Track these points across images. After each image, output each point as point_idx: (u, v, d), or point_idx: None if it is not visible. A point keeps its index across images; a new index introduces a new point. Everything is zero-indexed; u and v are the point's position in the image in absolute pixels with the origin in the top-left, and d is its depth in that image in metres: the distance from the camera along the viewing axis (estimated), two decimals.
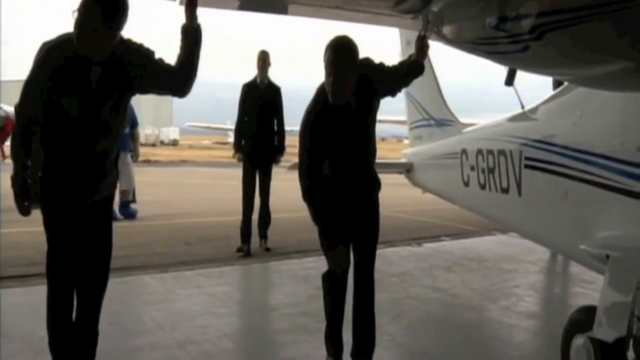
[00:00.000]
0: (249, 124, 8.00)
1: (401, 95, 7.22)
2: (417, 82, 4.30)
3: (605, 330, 3.40)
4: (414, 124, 9.09)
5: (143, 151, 11.91)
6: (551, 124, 4.71)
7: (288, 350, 4.57)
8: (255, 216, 8.02)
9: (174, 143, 60.99)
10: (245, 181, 7.96)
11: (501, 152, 5.31)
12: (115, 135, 3.51)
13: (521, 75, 5.69)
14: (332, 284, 4.00)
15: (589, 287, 6.37)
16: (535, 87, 5.16)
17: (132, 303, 5.67)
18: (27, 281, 5.87)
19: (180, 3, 3.44)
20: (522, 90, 5.54)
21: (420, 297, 6.16)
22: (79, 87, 3.24)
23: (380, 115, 4.13)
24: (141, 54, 3.38)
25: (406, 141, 9.68)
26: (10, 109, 11.00)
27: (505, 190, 5.25)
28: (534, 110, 5.18)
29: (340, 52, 3.64)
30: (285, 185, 9.16)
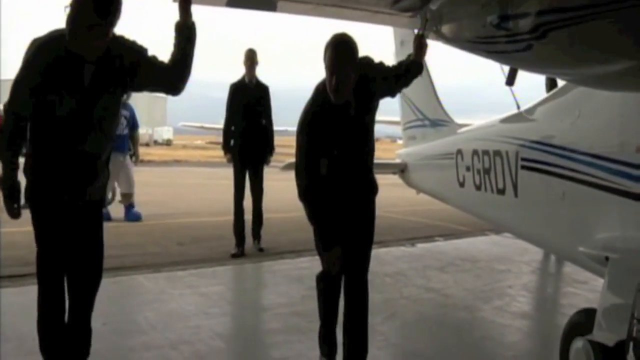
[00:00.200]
0: (238, 124, 7.94)
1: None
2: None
3: (605, 334, 3.36)
4: (408, 124, 9.07)
5: None
6: (548, 124, 4.67)
7: (281, 350, 4.56)
8: (247, 216, 7.98)
9: (168, 143, 60.86)
10: (236, 182, 7.90)
11: (497, 153, 5.27)
12: (107, 135, 3.47)
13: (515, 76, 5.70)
14: (326, 285, 3.99)
15: (582, 288, 6.39)
16: (529, 87, 5.14)
17: (125, 303, 5.65)
18: (20, 281, 5.84)
19: (174, 0, 3.40)
20: (516, 91, 5.53)
21: (413, 297, 6.16)
22: (71, 85, 3.20)
23: None
24: (135, 52, 3.34)
25: (400, 141, 9.68)
26: None
27: (501, 191, 5.21)
28: (530, 110, 5.15)
29: (342, 50, 3.57)
30: (278, 185, 9.17)
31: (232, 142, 8.04)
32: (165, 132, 64.92)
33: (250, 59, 7.89)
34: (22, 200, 3.33)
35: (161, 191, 14.11)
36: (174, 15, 3.37)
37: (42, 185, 3.36)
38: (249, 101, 7.89)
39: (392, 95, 4.13)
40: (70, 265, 3.49)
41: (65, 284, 3.52)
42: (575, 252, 3.98)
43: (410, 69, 4.03)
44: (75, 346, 3.56)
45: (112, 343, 4.39)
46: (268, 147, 8.04)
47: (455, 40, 3.48)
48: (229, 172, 8.19)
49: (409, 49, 7.95)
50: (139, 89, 3.54)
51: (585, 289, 6.35)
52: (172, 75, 3.41)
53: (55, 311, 3.51)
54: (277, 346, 4.65)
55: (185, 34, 3.35)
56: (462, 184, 6.20)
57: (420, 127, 8.63)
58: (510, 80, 4.90)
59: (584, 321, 3.62)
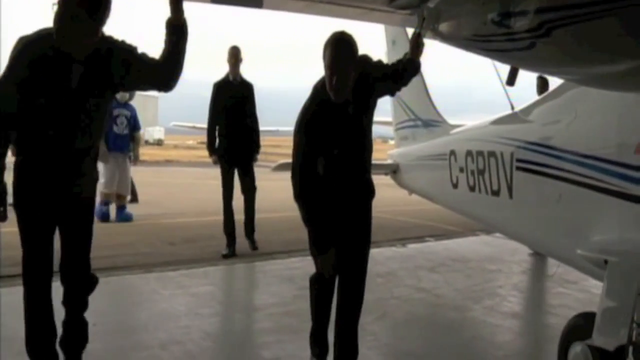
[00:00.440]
0: (222, 123, 7.83)
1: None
2: None
3: (605, 338, 3.32)
4: (400, 124, 9.04)
5: None
6: (545, 125, 4.61)
7: (272, 350, 4.56)
8: (238, 216, 7.93)
9: (159, 143, 60.75)
10: (224, 182, 7.81)
11: (491, 154, 5.22)
12: (96, 135, 3.46)
13: (504, 76, 5.69)
14: (320, 287, 3.96)
15: (572, 288, 6.43)
16: (522, 87, 5.08)
17: (116, 303, 5.63)
18: (10, 281, 5.80)
19: None
20: (508, 91, 5.51)
21: (404, 297, 6.17)
22: (58, 84, 3.18)
23: None
24: (125, 51, 3.33)
25: (392, 142, 9.68)
26: None
27: (495, 193, 5.15)
28: (525, 111, 5.09)
29: (342, 48, 3.52)
30: (270, 185, 9.16)
31: (217, 142, 7.93)
32: (156, 132, 64.76)
33: (235, 56, 7.78)
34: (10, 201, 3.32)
35: (152, 191, 14.05)
36: (165, 12, 3.32)
37: (30, 187, 3.33)
38: (233, 99, 7.79)
39: (392, 93, 4.12)
40: (61, 264, 3.49)
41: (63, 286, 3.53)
42: (573, 255, 3.94)
43: (408, 67, 4.01)
44: (72, 341, 3.59)
45: (103, 343, 4.38)
46: (254, 145, 7.94)
47: (454, 39, 3.42)
48: (219, 172, 8.15)
49: (401, 49, 7.93)
50: (131, 88, 3.55)
51: (575, 289, 6.39)
52: (164, 72, 3.38)
53: (41, 313, 3.49)
54: (268, 346, 4.64)
55: (177, 31, 3.31)
56: (455, 185, 6.15)
57: (413, 128, 8.59)
58: (511, 80, 4.76)
59: (582, 325, 3.58)
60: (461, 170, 5.96)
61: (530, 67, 3.44)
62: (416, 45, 3.97)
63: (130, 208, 10.72)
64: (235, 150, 7.78)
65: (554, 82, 4.74)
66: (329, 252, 3.74)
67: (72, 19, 3.07)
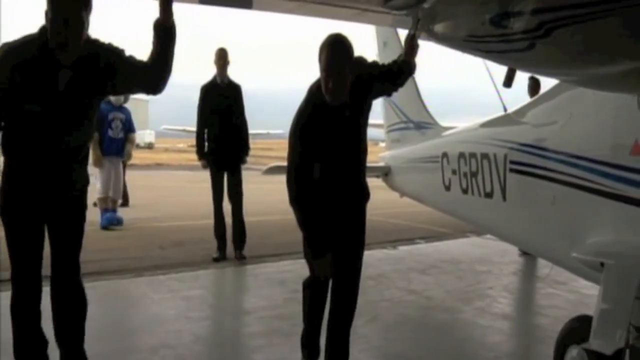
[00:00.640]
0: (211, 126, 7.77)
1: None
2: None
3: (603, 342, 3.28)
4: (391, 126, 8.99)
5: None
6: (538, 126, 4.54)
7: (263, 353, 4.55)
8: (229, 219, 7.87)
9: (150, 146, 60.55)
10: (214, 185, 7.76)
11: (484, 156, 5.16)
12: (84, 138, 3.44)
13: (496, 78, 5.68)
14: (314, 291, 3.95)
15: (561, 289, 6.45)
16: (513, 89, 5.04)
17: (106, 308, 5.59)
18: (9, 285, 5.77)
19: None
20: (493, 94, 5.51)
21: (395, 299, 6.18)
22: (45, 89, 3.15)
23: None
24: (112, 54, 3.30)
25: (382, 144, 9.67)
26: None
27: (488, 195, 5.10)
28: (519, 112, 5.03)
29: (338, 50, 3.49)
30: (260, 188, 9.16)
31: (206, 146, 7.86)
32: (147, 136, 64.55)
33: (222, 58, 7.73)
34: None
35: (143, 195, 14.02)
36: (154, 13, 3.26)
37: (19, 191, 3.30)
38: (221, 102, 7.72)
39: (389, 94, 4.09)
40: (52, 263, 3.47)
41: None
42: (568, 257, 3.90)
43: (404, 68, 3.98)
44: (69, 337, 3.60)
45: (93, 348, 4.34)
46: (243, 147, 7.87)
47: (450, 40, 3.35)
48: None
49: (392, 50, 7.91)
50: (119, 92, 3.52)
51: (565, 290, 6.41)
52: (152, 75, 3.34)
53: (30, 321, 3.46)
54: (259, 350, 4.64)
55: (166, 33, 3.25)
56: (447, 188, 6.10)
57: (404, 130, 8.54)
58: (508, 82, 4.70)
59: (579, 328, 3.56)
60: (454, 172, 5.91)
61: (528, 68, 3.38)
62: (411, 47, 3.93)
63: (121, 212, 10.67)
64: (224, 153, 7.72)
65: (545, 83, 4.71)
66: (325, 257, 3.71)
67: (61, 18, 3.05)
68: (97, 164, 9.67)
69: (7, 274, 5.76)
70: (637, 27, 2.23)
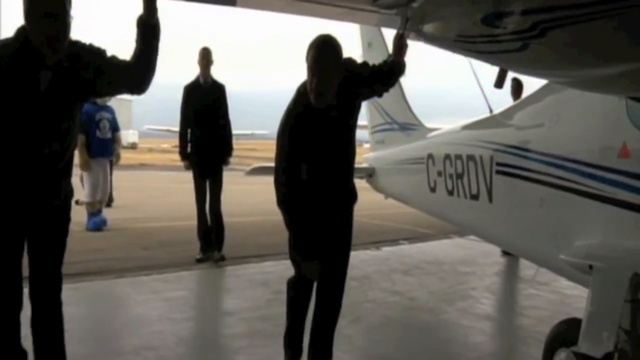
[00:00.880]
0: (194, 127, 7.68)
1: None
2: None
3: (592, 345, 3.27)
4: (375, 127, 8.99)
5: None
6: (525, 128, 4.55)
7: (246, 354, 4.54)
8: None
9: (133, 146, 60.14)
10: (196, 186, 7.70)
11: (470, 157, 5.15)
12: (68, 142, 3.30)
13: (482, 79, 5.70)
14: (298, 292, 3.94)
15: (543, 289, 6.50)
16: (494, 91, 5.04)
17: (88, 309, 5.57)
18: None
19: None
20: (479, 96, 5.53)
21: (379, 300, 6.20)
22: (26, 92, 3.05)
23: None
24: (94, 54, 3.20)
25: (367, 145, 9.68)
26: None
27: (474, 197, 5.09)
28: (505, 114, 5.03)
29: (325, 51, 3.44)
30: (243, 189, 9.14)
31: (189, 147, 7.76)
32: (130, 136, 64.08)
33: (206, 57, 7.64)
34: None
35: (126, 195, 13.92)
36: (137, 10, 3.15)
37: (1, 197, 3.19)
38: (204, 102, 7.63)
39: (380, 95, 4.05)
40: (32, 268, 3.35)
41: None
42: (556, 260, 3.87)
43: (394, 68, 3.94)
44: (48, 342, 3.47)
45: (74, 350, 4.31)
46: (226, 148, 7.77)
47: (440, 40, 3.31)
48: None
49: (377, 51, 7.87)
50: (103, 94, 3.39)
51: (547, 290, 6.47)
52: (136, 74, 3.23)
53: (9, 330, 3.35)
54: (242, 351, 4.63)
55: (150, 30, 3.15)
56: (433, 189, 6.08)
57: (389, 131, 8.54)
58: (500, 83, 4.59)
59: (567, 331, 3.55)
60: (439, 174, 5.90)
61: (521, 69, 3.34)
62: (399, 46, 3.89)
63: (104, 212, 10.58)
64: (207, 155, 7.63)
65: (528, 85, 4.70)
66: (313, 261, 3.67)
67: (40, 14, 2.97)
68: (85, 167, 9.57)
69: None
70: (632, 29, 2.22)
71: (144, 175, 24.99)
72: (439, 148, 6.08)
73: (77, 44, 3.19)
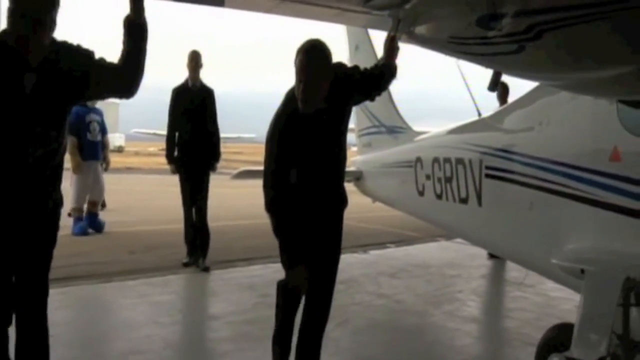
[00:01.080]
0: (182, 130, 7.60)
1: None
2: None
3: (584, 350, 3.22)
4: (363, 130, 8.96)
5: None
6: (515, 131, 4.53)
7: (232, 358, 4.55)
8: None
9: (120, 150, 59.86)
10: (183, 190, 7.64)
11: (459, 161, 5.13)
12: (54, 151, 3.15)
13: (471, 82, 5.71)
14: (287, 296, 3.90)
15: (530, 292, 6.55)
16: (481, 95, 5.02)
17: (74, 313, 5.55)
18: None
19: None
20: (467, 97, 5.53)
21: (365, 303, 6.22)
22: (9, 94, 2.93)
23: None
24: (82, 57, 3.09)
25: (354, 148, 9.70)
26: None
27: (463, 200, 5.07)
28: (495, 117, 5.00)
29: (314, 57, 3.39)
30: (229, 192, 9.13)
31: (176, 151, 7.68)
32: (117, 139, 63.79)
33: (194, 60, 7.57)
34: None
35: (113, 199, 13.82)
36: (124, 11, 3.07)
37: None
38: (192, 105, 7.57)
39: (372, 99, 4.01)
40: (18, 274, 3.22)
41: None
42: (548, 264, 3.84)
43: (386, 71, 3.91)
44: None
45: (61, 355, 4.30)
46: (214, 153, 7.69)
47: (433, 42, 3.29)
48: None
49: (365, 54, 7.86)
50: (92, 97, 3.28)
51: (533, 293, 6.51)
52: (125, 78, 3.13)
53: None
54: (228, 355, 4.63)
55: (137, 31, 3.06)
56: (421, 193, 6.06)
57: (376, 134, 8.50)
58: (493, 86, 4.47)
59: (559, 337, 3.54)
60: (428, 177, 5.87)
61: (516, 71, 3.31)
62: (391, 49, 3.86)
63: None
64: (194, 160, 7.56)
65: (515, 89, 4.68)
66: (299, 267, 3.61)
67: (21, 15, 2.87)
68: (77, 170, 9.51)
69: None
70: (626, 32, 2.23)
71: (130, 179, 24.87)
72: (427, 151, 6.05)
73: (64, 45, 3.08)
